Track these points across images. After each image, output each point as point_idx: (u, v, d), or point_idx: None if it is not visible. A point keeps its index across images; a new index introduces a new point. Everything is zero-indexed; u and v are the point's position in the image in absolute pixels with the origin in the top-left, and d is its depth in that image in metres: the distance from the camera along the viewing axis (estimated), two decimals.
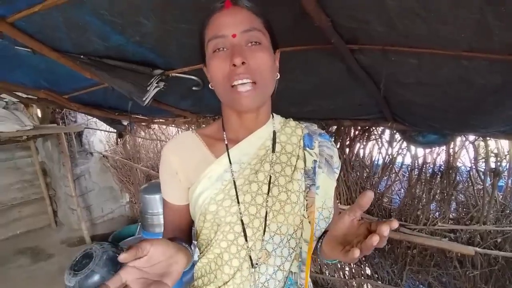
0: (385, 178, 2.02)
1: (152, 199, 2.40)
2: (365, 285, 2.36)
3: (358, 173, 2.05)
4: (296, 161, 0.82)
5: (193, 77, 1.59)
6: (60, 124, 3.89)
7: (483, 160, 1.72)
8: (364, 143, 2.03)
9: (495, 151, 1.71)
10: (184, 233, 0.90)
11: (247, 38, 0.71)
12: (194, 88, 1.67)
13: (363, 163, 2.04)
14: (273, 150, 0.82)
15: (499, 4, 0.66)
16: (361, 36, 0.97)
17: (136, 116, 3.10)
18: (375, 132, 1.99)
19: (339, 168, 0.89)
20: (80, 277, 2.49)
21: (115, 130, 3.79)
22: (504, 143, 1.67)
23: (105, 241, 2.90)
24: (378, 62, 1.06)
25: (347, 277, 2.42)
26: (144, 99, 1.43)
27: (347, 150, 2.06)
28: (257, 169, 0.80)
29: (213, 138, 0.86)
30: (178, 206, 0.87)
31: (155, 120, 3.25)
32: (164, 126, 3.57)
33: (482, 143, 1.74)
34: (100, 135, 4.21)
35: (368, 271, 2.34)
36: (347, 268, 2.42)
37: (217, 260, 0.81)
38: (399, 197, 2.01)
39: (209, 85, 0.80)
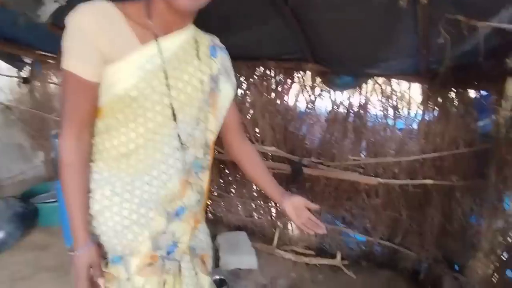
0: (307, 120, 2.15)
1: None
2: (289, 224, 2.55)
3: (282, 115, 2.14)
4: (205, 66, 0.90)
5: None
6: None
7: (387, 101, 1.93)
8: (288, 86, 2.10)
9: (398, 94, 1.93)
10: (91, 123, 0.84)
11: None
12: None
13: (287, 106, 2.13)
14: (194, 54, 0.87)
15: None
16: None
17: (42, 53, 2.69)
18: (299, 75, 2.07)
19: (236, 85, 1.00)
20: None
21: (18, 76, 3.27)
22: (404, 86, 1.89)
23: (12, 197, 2.63)
24: None
25: (274, 218, 2.58)
26: (39, 13, 1.21)
27: (273, 93, 2.12)
28: (175, 65, 0.83)
29: (135, 22, 0.80)
30: (93, 84, 0.78)
31: None
32: None
33: (388, 88, 1.94)
34: None
35: None
36: (273, 210, 2.59)
37: (147, 143, 0.83)
38: (318, 138, 2.17)
39: None
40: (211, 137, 0.94)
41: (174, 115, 0.83)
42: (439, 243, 2.07)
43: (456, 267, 1.99)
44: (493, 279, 1.47)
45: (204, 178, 0.95)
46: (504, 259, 1.44)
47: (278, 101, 2.13)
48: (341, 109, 2.03)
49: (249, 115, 2.24)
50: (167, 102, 0.82)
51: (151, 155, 0.84)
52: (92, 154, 0.88)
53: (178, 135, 0.86)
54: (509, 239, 1.44)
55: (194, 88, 0.86)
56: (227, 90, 0.95)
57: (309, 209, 1.01)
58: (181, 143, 0.86)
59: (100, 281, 0.86)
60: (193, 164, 0.91)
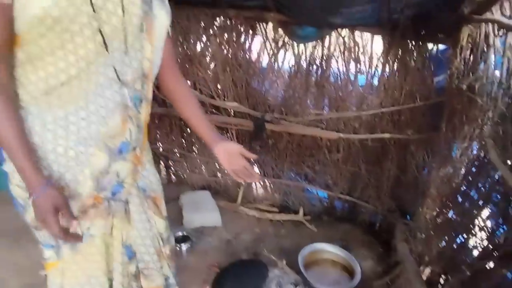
0: (270, 75, 2.10)
1: None
2: (253, 183, 2.57)
3: (244, 70, 2.07)
4: None
5: None
6: None
7: (349, 54, 1.91)
8: (250, 39, 2.02)
9: (360, 48, 1.91)
10: (7, 53, 0.73)
11: None
12: None
13: (249, 60, 2.06)
14: None
15: None
16: None
17: None
18: (261, 27, 1.98)
19: (171, 13, 0.93)
20: None
21: None
22: (366, 38, 1.88)
23: None
24: None
25: None
26: None
27: (234, 46, 2.02)
28: None
29: None
30: (4, 5, 0.67)
31: None
32: None
33: (351, 42, 1.91)
34: None
35: (256, 170, 2.54)
36: None
37: (80, 74, 0.75)
38: (281, 93, 2.14)
39: None
40: (149, 67, 0.86)
41: (103, 39, 0.74)
42: (394, 194, 2.19)
43: (408, 216, 2.12)
44: (438, 220, 1.58)
45: (143, 111, 0.89)
46: (448, 202, 1.53)
47: (240, 55, 2.05)
48: (304, 63, 1.99)
49: (209, 70, 2.15)
50: (96, 26, 0.73)
51: (86, 87, 0.77)
52: (15, 89, 0.78)
53: (113, 67, 0.78)
54: (453, 184, 1.54)
55: (125, 10, 0.77)
56: (163, 17, 0.87)
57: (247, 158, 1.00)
58: (117, 75, 0.79)
59: (74, 224, 0.78)
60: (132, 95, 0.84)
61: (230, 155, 0.98)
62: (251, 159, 1.00)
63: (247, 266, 1.83)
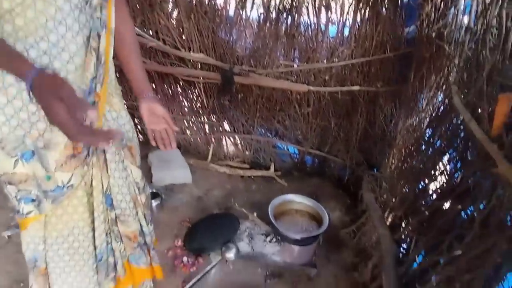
0: (237, 24, 1.96)
1: None
2: (223, 139, 2.52)
3: (210, 18, 1.92)
4: None
5: None
6: None
7: (321, 1, 1.81)
8: None
9: None
10: None
11: None
12: None
13: (216, 7, 1.90)
14: None
15: None
16: None
17: None
18: None
19: None
20: None
21: None
22: None
23: None
24: None
25: (207, 134, 2.51)
26: None
27: None
28: None
29: None
30: None
31: None
32: None
33: None
34: None
35: (226, 126, 2.49)
36: (207, 126, 2.51)
37: None
38: (250, 45, 2.03)
39: None
40: None
41: None
42: (362, 148, 2.23)
43: (375, 169, 2.19)
44: (402, 168, 1.63)
45: (103, 41, 0.80)
46: (413, 151, 1.58)
47: (205, 1, 1.88)
48: (273, 11, 1.87)
49: (172, 18, 1.98)
50: None
51: (44, 10, 0.66)
52: None
53: None
54: (417, 132, 1.57)
55: None
56: None
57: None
58: None
59: (91, 114, 0.58)
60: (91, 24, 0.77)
61: (152, 115, 0.95)
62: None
63: (219, 220, 1.84)
